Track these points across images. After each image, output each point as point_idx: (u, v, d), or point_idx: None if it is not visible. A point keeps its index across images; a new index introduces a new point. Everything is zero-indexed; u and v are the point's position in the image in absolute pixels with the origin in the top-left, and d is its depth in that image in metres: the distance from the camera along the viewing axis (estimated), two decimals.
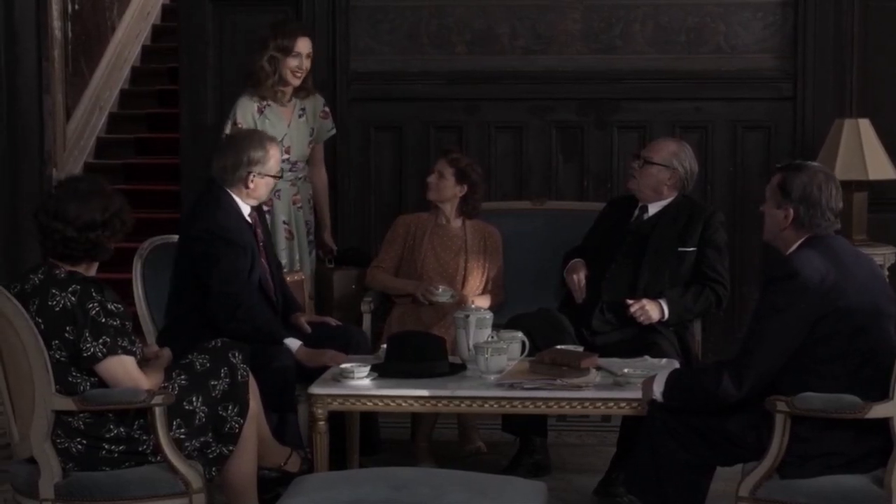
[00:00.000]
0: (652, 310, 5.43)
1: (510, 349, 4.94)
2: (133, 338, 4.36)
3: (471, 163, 5.96)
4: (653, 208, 5.65)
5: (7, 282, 4.41)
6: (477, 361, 4.88)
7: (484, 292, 5.92)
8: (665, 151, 5.64)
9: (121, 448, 4.33)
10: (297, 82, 6.18)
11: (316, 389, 4.76)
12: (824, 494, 4.11)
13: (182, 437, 4.42)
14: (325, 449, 4.78)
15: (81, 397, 4.26)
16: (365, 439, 5.38)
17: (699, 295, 5.51)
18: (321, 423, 4.74)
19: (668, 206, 5.64)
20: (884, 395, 4.09)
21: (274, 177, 5.36)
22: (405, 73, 7.19)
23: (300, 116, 6.26)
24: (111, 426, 4.32)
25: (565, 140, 7.16)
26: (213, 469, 4.50)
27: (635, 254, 5.58)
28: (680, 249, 5.55)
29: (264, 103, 6.18)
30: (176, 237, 5.39)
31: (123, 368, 4.30)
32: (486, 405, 4.72)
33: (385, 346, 5.10)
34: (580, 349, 5.10)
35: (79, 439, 4.30)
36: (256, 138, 5.37)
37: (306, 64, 6.18)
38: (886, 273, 6.22)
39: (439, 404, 4.78)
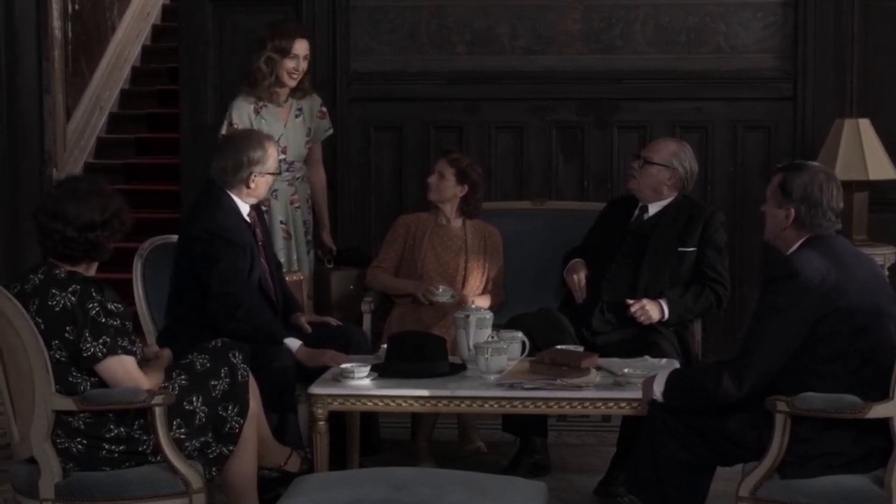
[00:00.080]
0: (652, 310, 5.43)
1: (510, 349, 4.94)
2: (133, 338, 4.35)
3: (471, 163, 5.96)
4: (653, 208, 5.65)
5: (7, 282, 4.41)
6: (477, 361, 4.88)
7: (484, 292, 5.92)
8: (665, 151, 5.64)
9: (121, 448, 4.33)
10: (293, 84, 6.18)
11: (316, 389, 4.76)
12: (825, 494, 4.11)
13: (182, 437, 4.42)
14: (325, 449, 4.78)
15: (81, 397, 4.26)
16: (365, 439, 5.37)
17: (699, 295, 5.51)
18: (321, 423, 4.74)
19: (668, 206, 5.64)
20: (884, 395, 4.09)
21: (273, 174, 5.37)
22: (405, 73, 7.19)
23: (297, 116, 6.26)
24: (111, 426, 4.32)
25: (565, 140, 7.15)
26: (214, 469, 4.50)
27: (635, 254, 5.58)
28: (680, 249, 5.55)
29: (260, 104, 6.17)
30: (176, 237, 5.39)
31: (123, 368, 4.30)
32: (487, 405, 4.72)
33: (385, 346, 5.10)
34: (580, 349, 5.10)
35: (79, 439, 4.30)
36: (254, 138, 5.37)
37: (303, 65, 6.17)
38: (887, 273, 6.22)
39: (439, 404, 4.78)
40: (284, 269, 5.82)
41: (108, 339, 4.26)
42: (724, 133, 7.05)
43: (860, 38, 6.92)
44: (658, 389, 4.41)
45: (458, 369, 4.94)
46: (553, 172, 7.16)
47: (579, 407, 4.72)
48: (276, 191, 6.05)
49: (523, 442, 5.55)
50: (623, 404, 4.66)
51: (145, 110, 10.23)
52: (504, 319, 5.47)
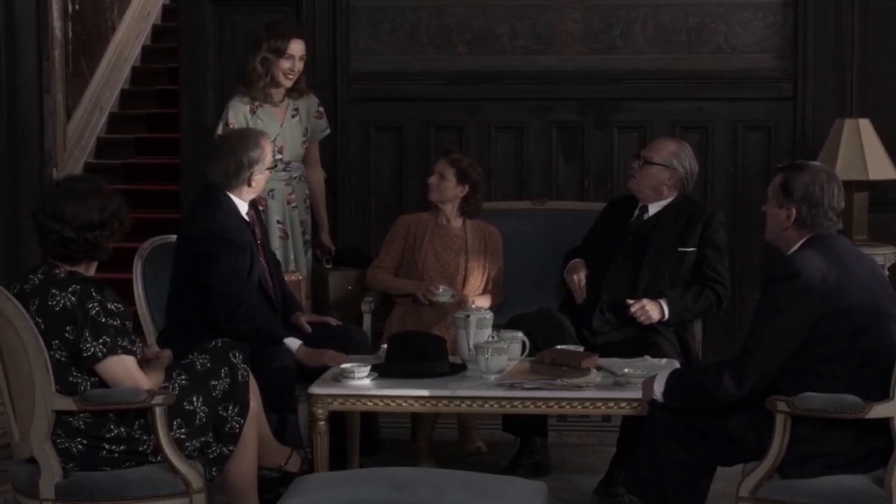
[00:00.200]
0: (652, 310, 5.43)
1: (510, 349, 4.94)
2: (133, 337, 4.35)
3: (471, 163, 5.96)
4: (653, 208, 5.65)
5: (7, 282, 4.41)
6: (477, 361, 4.88)
7: (484, 292, 5.92)
8: (665, 151, 5.64)
9: (121, 448, 4.33)
10: (288, 84, 6.18)
11: (316, 389, 4.76)
12: (825, 494, 4.11)
13: (182, 437, 4.42)
14: (326, 449, 4.78)
15: (82, 397, 4.26)
16: (365, 439, 5.37)
17: (699, 295, 5.51)
18: (321, 423, 4.74)
19: (668, 206, 5.64)
20: (884, 395, 4.09)
21: (270, 168, 5.41)
22: (405, 73, 7.19)
23: (293, 116, 6.26)
24: (111, 426, 4.32)
25: (565, 140, 7.15)
26: (214, 469, 4.50)
27: (635, 254, 5.58)
28: (680, 249, 5.55)
29: (256, 104, 6.17)
30: (176, 237, 5.39)
31: (124, 368, 4.30)
32: (487, 405, 4.72)
33: (385, 346, 5.10)
34: (580, 349, 5.10)
35: (79, 439, 4.30)
36: (251, 138, 5.37)
37: (299, 66, 6.17)
38: (887, 273, 6.22)
39: (439, 404, 4.78)
40: (282, 269, 5.82)
41: (108, 339, 4.26)
42: (724, 133, 7.05)
43: (860, 38, 6.93)
44: (658, 389, 4.41)
45: (458, 369, 4.94)
46: (553, 172, 7.16)
47: (579, 407, 4.72)
48: (272, 190, 6.06)
49: (523, 442, 5.55)
50: (623, 404, 4.66)
51: (145, 110, 10.23)
52: (504, 319, 5.46)
